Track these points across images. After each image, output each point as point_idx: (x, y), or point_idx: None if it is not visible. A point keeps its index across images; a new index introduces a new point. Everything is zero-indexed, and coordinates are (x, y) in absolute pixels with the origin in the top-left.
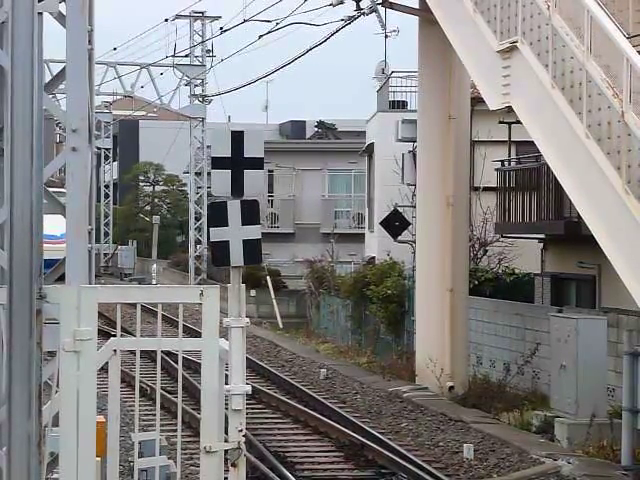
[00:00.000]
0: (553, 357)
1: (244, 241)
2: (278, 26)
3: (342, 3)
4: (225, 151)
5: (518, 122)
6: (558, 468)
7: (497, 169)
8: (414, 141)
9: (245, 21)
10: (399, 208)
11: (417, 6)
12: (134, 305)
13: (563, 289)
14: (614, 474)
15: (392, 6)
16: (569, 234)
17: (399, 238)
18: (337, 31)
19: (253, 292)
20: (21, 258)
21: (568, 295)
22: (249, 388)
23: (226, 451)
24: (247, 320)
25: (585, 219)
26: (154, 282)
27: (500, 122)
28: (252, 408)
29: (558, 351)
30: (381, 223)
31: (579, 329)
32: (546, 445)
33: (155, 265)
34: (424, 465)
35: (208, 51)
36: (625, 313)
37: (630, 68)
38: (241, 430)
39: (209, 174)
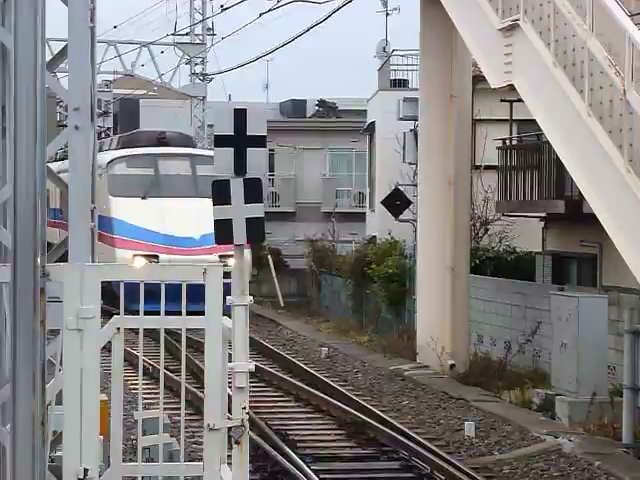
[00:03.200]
0: (554, 336)
1: (247, 219)
2: (279, 4)
3: None
4: (228, 129)
5: (520, 100)
6: (559, 446)
7: (498, 147)
8: (415, 120)
9: None
10: (400, 187)
11: None
12: None
13: (564, 268)
14: (615, 452)
15: None
16: (570, 212)
17: (400, 217)
18: (339, 9)
19: (254, 271)
20: (24, 236)
21: (569, 274)
22: (252, 366)
23: (229, 429)
24: (250, 298)
25: (586, 197)
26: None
27: (502, 100)
28: (254, 386)
29: (559, 330)
30: (382, 202)
31: (580, 308)
32: (547, 423)
33: None
34: (425, 443)
35: (209, 29)
36: (626, 291)
37: (632, 46)
38: (244, 408)
39: None
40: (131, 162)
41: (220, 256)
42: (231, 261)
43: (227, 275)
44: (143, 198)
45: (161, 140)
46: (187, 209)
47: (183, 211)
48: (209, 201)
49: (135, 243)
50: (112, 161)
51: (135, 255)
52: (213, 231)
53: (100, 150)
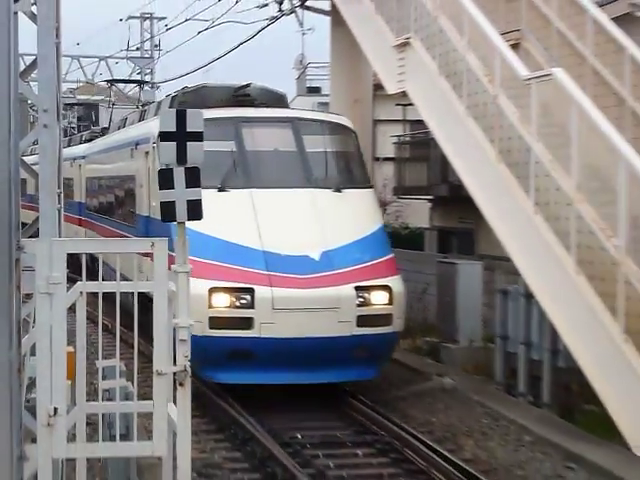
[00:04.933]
0: (439, 295)
1: (188, 201)
2: (214, 24)
3: (267, 5)
4: (171, 126)
5: (411, 104)
6: (444, 384)
7: (394, 143)
8: None
9: (187, 20)
10: None
11: (329, 8)
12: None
13: (447, 240)
14: (489, 388)
15: (308, 8)
16: (452, 195)
17: None
18: (263, 29)
19: None
20: (1, 216)
21: (451, 245)
22: (193, 322)
23: (175, 374)
24: (190, 266)
25: (465, 183)
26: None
27: (397, 104)
28: None
29: (443, 290)
30: None
31: (460, 272)
32: (434, 366)
33: None
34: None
35: (156, 46)
36: (497, 259)
37: (501, 59)
38: (187, 356)
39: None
40: None
41: (356, 288)
42: (375, 297)
43: (372, 322)
44: (221, 190)
45: (242, 98)
46: (297, 208)
47: (290, 212)
48: (329, 194)
49: (212, 268)
50: None
51: (214, 289)
52: (335, 245)
53: (141, 118)
